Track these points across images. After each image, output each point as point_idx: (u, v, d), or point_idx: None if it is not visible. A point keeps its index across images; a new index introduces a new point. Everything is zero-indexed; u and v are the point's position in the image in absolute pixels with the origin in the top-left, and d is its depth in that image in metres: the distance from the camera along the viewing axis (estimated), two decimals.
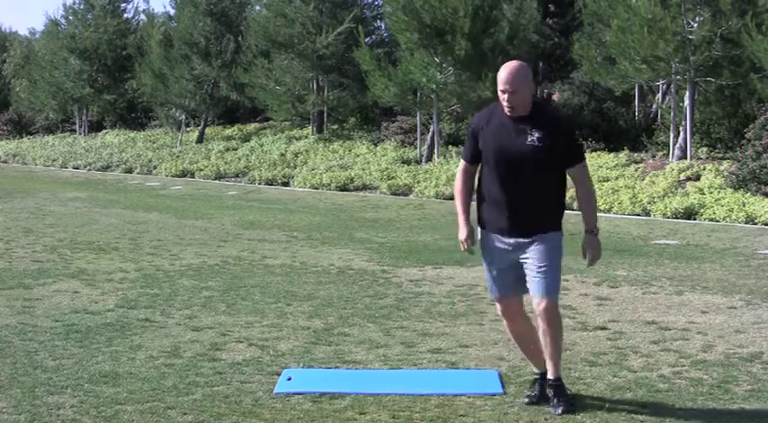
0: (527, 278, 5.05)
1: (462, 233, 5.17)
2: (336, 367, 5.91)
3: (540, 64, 26.07)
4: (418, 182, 19.71)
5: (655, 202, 15.56)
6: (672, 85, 19.83)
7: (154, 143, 31.04)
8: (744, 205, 14.63)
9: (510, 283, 5.15)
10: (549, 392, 5.08)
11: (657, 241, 12.38)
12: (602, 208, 15.91)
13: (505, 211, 5.02)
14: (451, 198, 18.26)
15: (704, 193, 15.80)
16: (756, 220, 13.91)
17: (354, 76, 25.53)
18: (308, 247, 11.40)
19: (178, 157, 27.33)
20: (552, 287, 5.03)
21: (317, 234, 12.75)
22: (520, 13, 23.17)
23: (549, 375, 5.10)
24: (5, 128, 40.34)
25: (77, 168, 28.37)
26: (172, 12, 32.74)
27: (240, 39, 29.53)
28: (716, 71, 18.34)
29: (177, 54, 30.36)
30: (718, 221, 14.27)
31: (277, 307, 7.77)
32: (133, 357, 6.05)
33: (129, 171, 26.65)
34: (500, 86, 4.95)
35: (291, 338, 6.65)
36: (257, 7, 30.25)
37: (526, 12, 23.45)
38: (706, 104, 20.25)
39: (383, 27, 27.30)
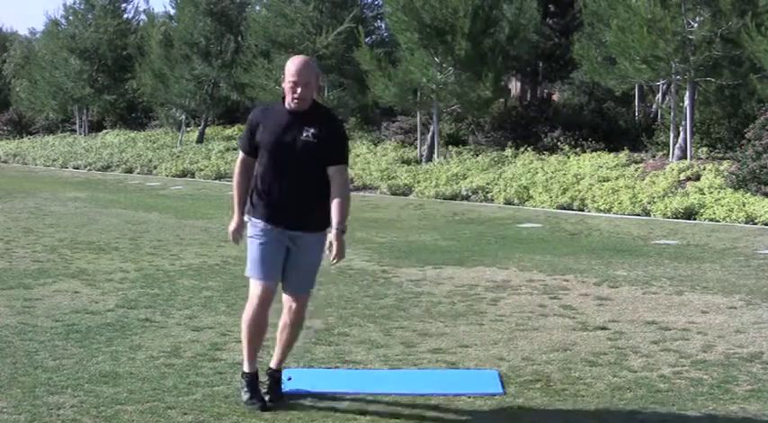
0: (286, 271, 5.13)
1: (233, 223, 5.24)
2: (336, 367, 5.91)
3: (540, 64, 26.05)
4: (418, 182, 19.70)
5: (655, 202, 15.56)
6: (672, 85, 19.83)
7: (154, 143, 31.03)
8: (744, 205, 14.63)
9: (275, 267, 5.12)
10: (265, 382, 5.18)
11: (657, 241, 12.39)
12: (602, 208, 15.92)
13: (278, 204, 5.05)
14: (452, 198, 18.27)
15: (704, 193, 15.80)
16: (756, 220, 13.91)
17: (354, 76, 25.52)
18: None
19: (178, 157, 27.32)
20: (310, 285, 5.22)
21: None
22: (520, 13, 23.16)
23: (272, 365, 5.26)
24: (5, 128, 40.32)
25: (77, 168, 28.36)
26: (172, 12, 32.73)
27: (240, 39, 29.51)
28: (716, 71, 18.33)
29: (177, 54, 30.34)
30: (718, 221, 14.27)
31: (277, 307, 7.76)
32: (133, 357, 6.05)
33: (130, 171, 26.64)
34: (290, 78, 4.98)
35: None
36: (257, 7, 30.24)
37: (526, 12, 23.44)
38: (706, 104, 20.24)
39: (383, 27, 27.27)
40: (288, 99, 5.06)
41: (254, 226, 5.14)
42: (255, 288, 5.13)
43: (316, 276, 5.26)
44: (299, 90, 4.98)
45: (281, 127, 5.05)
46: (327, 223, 5.08)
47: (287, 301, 5.21)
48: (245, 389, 5.14)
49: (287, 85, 5.02)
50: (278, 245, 5.09)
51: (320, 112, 5.16)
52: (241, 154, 5.29)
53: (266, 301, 5.13)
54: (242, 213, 5.21)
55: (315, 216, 5.08)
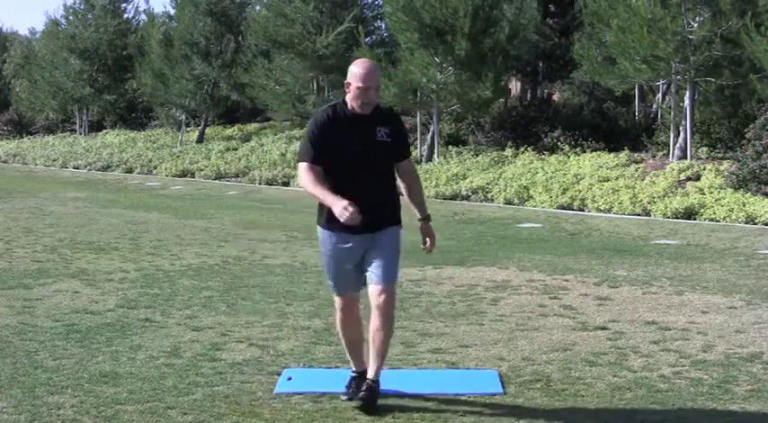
0: (367, 270, 5.08)
1: (341, 202, 4.78)
2: (336, 367, 5.91)
3: (540, 64, 26.05)
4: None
5: (655, 202, 15.56)
6: (672, 85, 19.82)
7: (154, 143, 31.03)
8: (744, 205, 14.63)
9: (353, 280, 5.17)
10: (364, 386, 5.08)
11: (657, 241, 12.39)
12: (602, 208, 15.92)
13: (360, 209, 4.93)
14: (452, 198, 18.27)
15: (704, 193, 15.80)
16: (756, 220, 13.91)
17: None
18: (308, 247, 11.39)
19: (178, 157, 27.32)
20: (394, 273, 5.11)
21: (318, 234, 12.73)
22: (520, 13, 23.16)
23: (371, 376, 5.10)
24: (5, 128, 40.33)
25: (77, 168, 28.36)
26: (172, 12, 32.76)
27: (240, 39, 29.52)
28: (716, 71, 18.33)
29: (177, 54, 30.35)
30: (718, 221, 14.27)
31: (277, 307, 7.78)
32: (133, 357, 6.05)
33: (130, 171, 26.65)
34: (360, 83, 4.98)
35: (291, 338, 6.66)
36: (257, 7, 30.24)
37: (526, 12, 23.45)
38: (706, 104, 20.24)
39: (383, 27, 27.28)
40: (355, 103, 5.04)
41: (329, 240, 5.13)
42: (337, 303, 5.29)
43: (398, 266, 5.17)
44: (369, 94, 5.01)
45: (354, 130, 5.03)
46: (397, 216, 5.19)
47: (374, 298, 5.02)
48: (347, 384, 5.22)
49: (355, 90, 5.00)
50: (354, 257, 5.09)
51: (385, 112, 5.25)
52: (305, 164, 5.03)
53: (349, 309, 5.23)
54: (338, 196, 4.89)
55: (390, 212, 5.15)
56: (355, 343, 5.33)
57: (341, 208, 4.78)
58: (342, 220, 4.80)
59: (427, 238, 5.27)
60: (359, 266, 5.13)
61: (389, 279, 5.05)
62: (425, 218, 5.28)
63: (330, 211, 4.95)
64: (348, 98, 5.08)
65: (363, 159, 5.02)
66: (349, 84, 5.02)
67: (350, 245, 5.08)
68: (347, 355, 5.41)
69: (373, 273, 5.05)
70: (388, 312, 5.03)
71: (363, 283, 5.16)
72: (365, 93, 5.01)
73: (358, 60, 5.17)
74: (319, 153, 5.03)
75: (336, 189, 4.96)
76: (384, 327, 5.03)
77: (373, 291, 5.05)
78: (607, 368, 5.89)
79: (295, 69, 27.06)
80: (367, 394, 5.00)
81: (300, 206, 17.18)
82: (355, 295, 5.24)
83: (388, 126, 5.12)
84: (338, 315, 5.31)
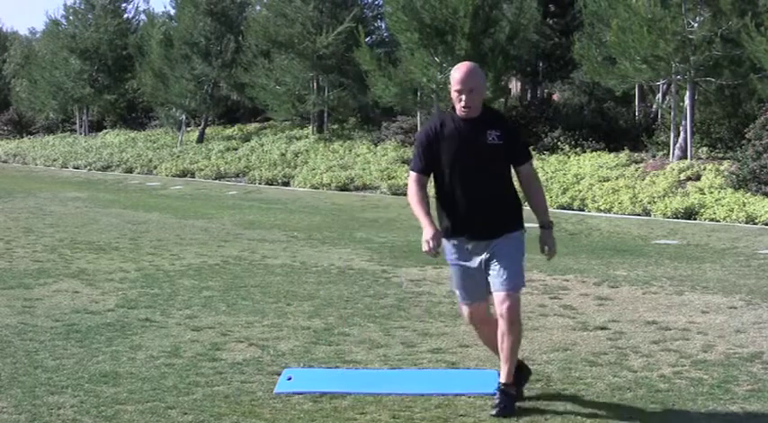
0: (490, 276, 5.01)
1: (428, 232, 4.91)
2: (336, 367, 5.91)
3: (540, 64, 26.05)
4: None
5: (655, 202, 15.56)
6: (672, 85, 19.83)
7: (154, 143, 31.04)
8: (744, 205, 14.63)
9: (479, 287, 5.10)
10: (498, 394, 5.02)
11: (657, 241, 12.39)
12: (602, 208, 15.92)
13: (473, 214, 4.99)
14: None
15: (704, 193, 15.80)
16: (756, 220, 13.91)
17: (354, 76, 25.53)
18: (308, 247, 11.40)
19: (178, 156, 27.33)
20: (518, 281, 5.01)
21: (318, 234, 12.75)
22: (520, 13, 23.15)
23: (503, 379, 5.04)
24: (6, 128, 40.34)
25: (78, 168, 28.37)
26: (172, 12, 32.77)
27: (240, 39, 29.53)
28: (716, 71, 18.34)
29: (177, 54, 30.35)
30: (718, 221, 14.27)
31: (277, 307, 7.78)
32: (133, 357, 6.05)
33: (130, 171, 26.65)
34: (456, 86, 4.94)
35: (291, 338, 6.65)
36: (257, 7, 30.26)
37: (526, 12, 23.43)
38: (706, 104, 20.24)
39: (383, 27, 27.29)
40: (457, 108, 4.99)
41: (452, 249, 5.09)
42: (464, 309, 5.25)
43: (523, 273, 5.09)
44: (463, 97, 4.93)
45: (463, 135, 4.97)
46: (520, 220, 5.12)
47: (498, 306, 4.97)
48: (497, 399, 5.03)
49: (454, 94, 4.96)
50: (476, 264, 5.03)
51: (495, 114, 5.14)
52: (414, 174, 5.06)
53: (478, 318, 5.21)
54: (433, 223, 4.98)
55: (509, 217, 5.06)
56: (495, 346, 5.19)
57: (424, 239, 4.91)
58: (422, 249, 4.91)
59: (545, 246, 5.14)
60: (482, 274, 5.03)
61: (512, 286, 4.95)
62: (543, 225, 5.17)
63: (446, 220, 5.03)
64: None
65: (475, 164, 4.95)
66: (450, 87, 5.00)
67: (468, 250, 5.04)
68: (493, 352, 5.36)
69: (496, 280, 4.98)
70: (512, 319, 4.95)
71: (489, 292, 5.06)
72: (460, 96, 4.94)
73: (459, 63, 5.08)
74: (429, 161, 5.02)
75: (450, 196, 4.98)
76: (510, 332, 4.97)
77: (497, 298, 4.98)
78: (607, 368, 5.89)
79: (295, 69, 27.08)
80: (499, 401, 4.96)
81: (300, 206, 17.19)
82: (477, 306, 5.16)
83: (499, 129, 5.00)
84: (467, 321, 5.31)
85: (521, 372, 5.21)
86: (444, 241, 5.09)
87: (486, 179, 4.98)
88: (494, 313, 5.10)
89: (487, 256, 5.02)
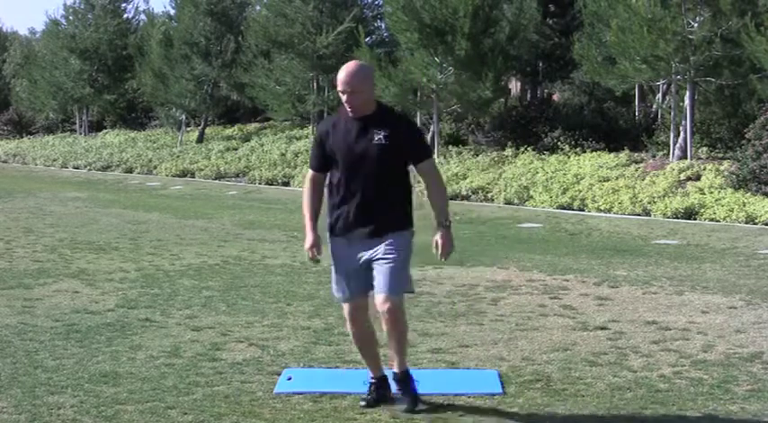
0: (374, 277, 5.00)
1: (308, 240, 5.07)
2: (336, 367, 5.91)
3: (540, 64, 26.05)
4: (418, 182, 19.64)
5: (655, 202, 15.56)
6: (672, 85, 19.82)
7: (154, 143, 31.03)
8: (744, 205, 14.63)
9: (359, 285, 5.05)
10: (395, 386, 5.11)
11: (657, 241, 12.39)
12: (602, 208, 15.92)
13: (357, 213, 4.99)
14: (452, 198, 18.23)
15: (704, 193, 15.80)
16: (756, 220, 13.91)
17: None
18: None
19: (178, 156, 27.32)
20: (399, 285, 4.99)
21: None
22: (520, 13, 23.16)
23: (395, 369, 5.11)
24: (5, 128, 40.33)
25: (78, 168, 28.37)
26: (172, 12, 32.74)
27: (240, 39, 29.53)
28: (716, 71, 18.33)
29: (177, 54, 30.35)
30: (718, 221, 14.27)
31: (277, 307, 7.78)
32: (133, 357, 6.05)
33: (130, 171, 26.65)
34: (339, 87, 4.95)
35: (291, 338, 6.66)
36: (257, 7, 30.25)
37: (526, 12, 23.44)
38: (706, 104, 20.23)
39: (383, 27, 27.27)
40: (346, 107, 5.02)
41: (333, 245, 5.09)
42: (344, 310, 5.19)
43: (406, 275, 5.08)
44: (345, 98, 4.95)
45: (350, 135, 4.99)
46: (405, 222, 5.10)
47: (378, 306, 4.97)
48: (367, 390, 5.15)
49: (339, 95, 4.98)
50: (357, 261, 5.01)
51: (386, 113, 5.12)
52: (310, 172, 5.18)
53: (357, 318, 5.13)
54: (315, 229, 5.08)
55: (394, 217, 5.04)
56: (367, 349, 5.23)
57: (305, 247, 5.09)
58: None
59: (437, 242, 5.07)
60: (363, 273, 5.03)
61: (391, 288, 4.92)
62: (440, 224, 5.10)
63: (332, 218, 5.06)
64: None
65: (360, 164, 4.96)
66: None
67: (351, 248, 5.03)
68: (363, 359, 5.33)
69: (377, 281, 4.98)
70: (392, 320, 4.94)
71: (369, 289, 5.06)
72: (344, 96, 4.95)
73: (346, 63, 5.09)
74: (321, 160, 5.07)
75: (337, 195, 5.01)
76: (393, 330, 5.00)
77: (377, 299, 4.99)
78: (607, 368, 5.89)
79: (295, 69, 27.07)
80: (402, 392, 5.06)
81: (300, 206, 17.18)
82: (357, 303, 5.10)
83: (387, 129, 4.98)
84: (347, 324, 5.24)
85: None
86: (328, 237, 5.12)
87: (370, 179, 4.98)
88: (377, 314, 5.07)
89: (371, 255, 5.00)
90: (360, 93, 4.94)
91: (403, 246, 5.04)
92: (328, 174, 5.14)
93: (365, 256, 5.01)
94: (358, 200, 4.97)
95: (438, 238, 5.07)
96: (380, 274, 4.96)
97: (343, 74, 4.95)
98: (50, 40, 37.55)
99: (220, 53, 29.78)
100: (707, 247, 11.80)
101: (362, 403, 5.08)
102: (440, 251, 5.05)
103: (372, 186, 4.99)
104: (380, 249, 4.98)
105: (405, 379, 5.11)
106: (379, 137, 4.97)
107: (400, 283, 4.99)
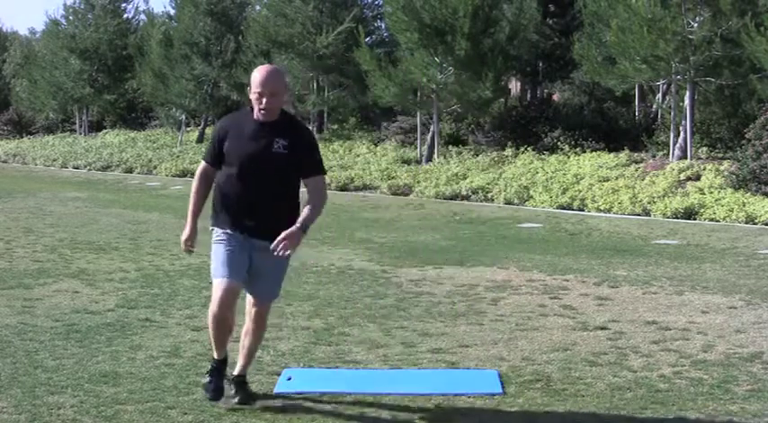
0: (251, 278, 5.04)
1: (186, 233, 5.22)
2: (336, 367, 5.91)
3: (540, 64, 26.06)
4: (418, 182, 19.70)
5: (655, 202, 15.56)
6: (672, 85, 19.83)
7: (154, 143, 31.04)
8: (744, 205, 14.63)
9: (240, 268, 5.00)
10: (231, 387, 5.16)
11: (657, 241, 12.39)
12: (602, 208, 15.92)
13: (244, 213, 4.99)
14: (452, 198, 18.26)
15: (704, 193, 15.80)
16: (756, 220, 13.91)
17: (354, 76, 25.53)
18: (307, 247, 11.38)
19: (178, 156, 27.32)
20: (274, 294, 5.17)
21: (317, 234, 12.73)
22: (520, 13, 23.17)
23: (237, 371, 5.20)
24: (5, 128, 40.33)
25: (77, 168, 28.36)
26: (172, 12, 32.77)
27: (240, 39, 29.54)
28: (716, 71, 18.34)
29: (177, 54, 30.36)
30: (718, 221, 14.27)
31: (277, 307, 7.77)
32: (133, 357, 6.05)
33: (130, 171, 26.64)
34: (256, 88, 4.90)
35: (291, 338, 6.65)
36: (257, 7, 30.26)
37: (526, 12, 23.45)
38: (706, 104, 20.24)
39: (383, 27, 27.28)
40: (255, 109, 4.96)
41: (218, 233, 5.11)
42: (217, 287, 4.97)
43: (280, 285, 5.17)
44: (264, 100, 4.89)
45: (251, 137, 4.96)
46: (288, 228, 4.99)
47: (250, 307, 5.16)
48: (207, 373, 5.18)
49: (252, 95, 4.93)
50: (241, 249, 5.00)
51: (290, 122, 5.06)
52: (203, 163, 5.24)
53: (227, 300, 4.92)
54: (195, 223, 5.20)
55: (282, 224, 4.89)
56: (224, 334, 5.11)
57: (182, 238, 5.25)
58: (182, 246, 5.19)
59: (282, 235, 4.80)
60: (244, 260, 4.99)
61: (269, 296, 5.16)
62: (300, 224, 4.88)
63: (219, 212, 5.10)
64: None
65: (255, 168, 4.93)
66: (249, 88, 4.95)
67: (235, 237, 5.02)
68: (211, 341, 5.20)
69: (255, 284, 5.07)
70: (258, 323, 5.17)
71: (245, 282, 5.04)
72: (260, 98, 4.90)
73: (260, 66, 5.07)
74: (217, 155, 5.09)
75: (228, 191, 5.03)
76: (254, 333, 5.19)
77: (250, 301, 5.16)
78: (607, 368, 5.89)
79: (295, 69, 27.07)
80: (238, 391, 5.14)
81: None
82: (234, 283, 4.97)
83: (288, 138, 4.94)
84: (214, 298, 4.98)
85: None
86: (213, 227, 5.18)
87: (263, 184, 4.95)
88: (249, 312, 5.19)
89: (254, 253, 5.00)
90: (278, 96, 4.91)
91: (287, 256, 4.96)
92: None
93: (249, 250, 5.00)
94: (247, 202, 4.95)
95: (288, 231, 4.82)
96: (260, 280, 5.05)
97: (261, 75, 4.90)
98: (50, 40, 37.56)
99: (220, 53, 29.79)
100: (707, 247, 11.80)
101: (209, 396, 5.07)
102: (281, 243, 4.78)
103: (266, 191, 4.96)
104: (262, 255, 4.95)
105: (243, 382, 5.21)
106: (279, 145, 4.93)
107: (276, 293, 5.18)
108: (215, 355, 5.19)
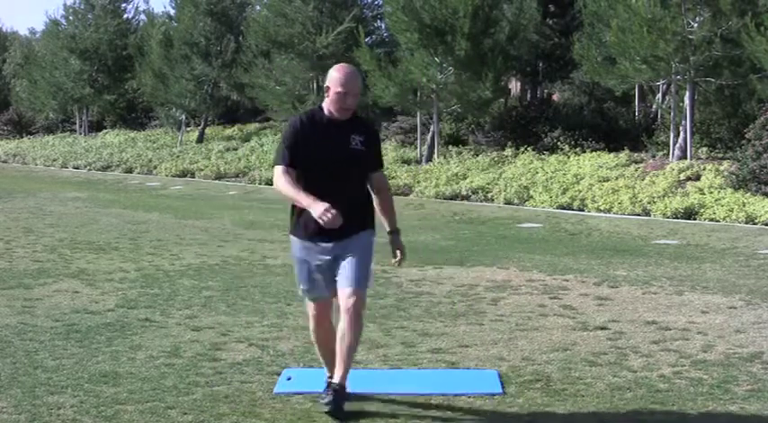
0: (338, 274, 5.01)
1: (320, 205, 4.74)
2: None
3: (540, 64, 26.06)
4: (418, 182, 19.70)
5: (655, 202, 15.56)
6: (672, 85, 19.83)
7: (154, 143, 31.04)
8: (744, 205, 14.63)
9: (328, 283, 5.05)
10: (329, 391, 4.97)
11: (657, 241, 12.39)
12: (602, 208, 15.92)
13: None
14: (452, 198, 18.27)
15: (704, 193, 15.80)
16: (756, 220, 13.91)
17: None
18: None
19: (178, 157, 27.33)
20: (364, 277, 5.02)
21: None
22: (520, 13, 23.17)
23: (336, 379, 4.97)
24: (5, 128, 40.34)
25: (77, 168, 28.37)
26: (172, 12, 32.77)
27: (240, 39, 29.54)
28: (716, 71, 18.34)
29: (177, 54, 30.36)
30: (718, 221, 14.27)
31: (277, 307, 7.78)
32: (133, 357, 6.05)
33: (130, 171, 26.65)
34: (338, 88, 4.93)
35: (291, 338, 6.65)
36: (257, 7, 30.25)
37: (526, 12, 23.45)
38: (706, 104, 20.24)
39: (383, 27, 27.27)
40: (333, 108, 4.99)
41: (299, 246, 5.10)
42: (309, 308, 5.20)
43: (369, 272, 5.08)
44: (348, 100, 4.95)
45: (329, 137, 4.99)
46: (371, 221, 5.14)
47: (343, 301, 4.97)
48: (324, 393, 5.03)
49: (334, 95, 4.95)
50: (325, 262, 5.02)
51: (359, 119, 5.17)
52: (282, 167, 4.98)
53: (322, 318, 5.15)
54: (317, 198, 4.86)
55: (361, 218, 5.07)
56: (330, 350, 5.16)
57: (321, 210, 4.74)
58: (322, 221, 4.75)
59: (397, 251, 5.17)
60: (331, 271, 5.03)
61: (359, 282, 4.96)
62: (394, 231, 5.20)
63: (301, 218, 5.00)
64: (326, 103, 5.03)
65: (337, 166, 4.96)
66: (328, 88, 4.97)
67: (321, 249, 5.02)
68: (322, 362, 5.31)
69: (343, 276, 4.99)
70: (355, 314, 4.92)
71: (335, 289, 5.03)
72: (344, 98, 4.94)
73: (338, 65, 5.11)
74: (294, 157, 5.00)
75: (313, 194, 4.92)
76: (351, 330, 4.93)
77: (342, 294, 4.98)
78: (607, 368, 5.89)
79: (295, 69, 27.07)
80: (332, 399, 4.89)
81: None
82: (328, 301, 5.13)
83: (363, 135, 5.05)
84: (311, 323, 5.24)
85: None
86: (294, 239, 5.14)
87: (343, 181, 4.99)
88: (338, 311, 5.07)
89: (337, 253, 5.02)
90: (356, 95, 4.98)
91: (371, 243, 5.11)
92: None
93: (332, 255, 5.01)
94: (333, 202, 4.83)
95: (397, 243, 5.18)
96: (348, 269, 4.98)
97: (344, 75, 4.95)
98: (50, 40, 37.58)
99: (220, 53, 29.79)
100: (707, 247, 11.80)
101: (327, 408, 4.90)
102: (399, 257, 5.18)
103: (346, 189, 5.00)
104: (348, 247, 5.00)
105: (342, 391, 4.97)
106: (356, 142, 5.01)
107: (367, 279, 5.05)
108: (329, 374, 5.21)
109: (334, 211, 4.73)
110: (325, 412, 4.90)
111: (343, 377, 4.94)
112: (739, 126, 18.51)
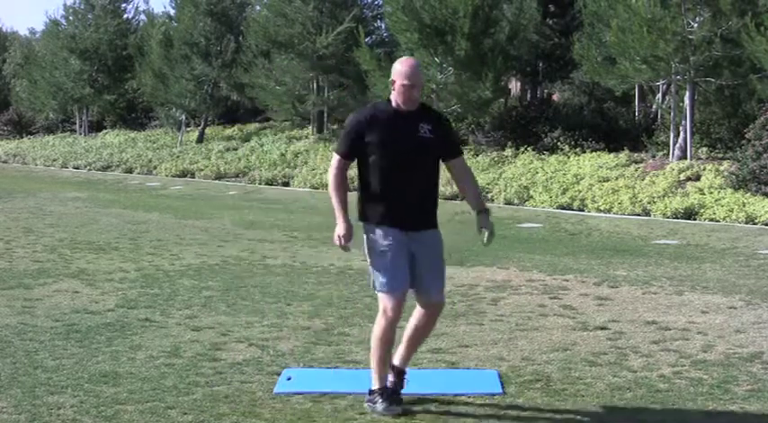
0: (418, 275, 5.02)
1: (341, 228, 4.98)
2: (336, 367, 5.91)
3: (540, 64, 26.06)
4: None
5: (655, 202, 15.57)
6: (672, 85, 19.83)
7: (154, 143, 31.04)
8: (744, 205, 14.63)
9: (406, 275, 5.00)
10: (397, 381, 5.08)
11: (657, 241, 12.39)
12: (602, 208, 15.92)
13: (403, 205, 5.00)
14: (452, 198, 18.25)
15: (704, 193, 15.81)
16: (756, 220, 13.92)
17: (354, 76, 25.53)
18: (307, 247, 11.40)
19: (178, 157, 27.33)
20: (443, 285, 5.15)
21: (317, 234, 12.74)
22: (520, 13, 23.17)
23: (398, 363, 5.14)
24: (5, 128, 40.33)
25: (78, 168, 28.37)
26: (172, 12, 32.77)
27: (240, 39, 29.55)
28: (716, 71, 18.34)
29: (177, 54, 30.36)
30: (718, 221, 14.28)
31: (277, 307, 7.78)
32: (133, 357, 6.05)
33: (130, 171, 26.65)
34: (404, 81, 5.00)
35: (291, 338, 6.65)
36: (257, 7, 30.26)
37: (526, 12, 23.45)
38: (706, 104, 20.24)
39: (383, 27, 27.29)
40: (400, 99, 5.05)
41: (376, 234, 5.02)
42: (388, 302, 4.96)
43: (445, 277, 5.15)
44: (413, 92, 5.02)
45: (397, 127, 5.04)
46: (435, 219, 5.15)
47: (427, 301, 5.05)
48: (381, 400, 4.96)
49: (399, 87, 5.02)
50: (402, 248, 4.99)
51: (427, 108, 5.25)
52: (338, 158, 5.09)
53: (398, 315, 5.00)
54: (347, 218, 5.01)
55: (431, 212, 5.11)
56: (390, 351, 5.14)
57: (337, 233, 4.99)
58: (334, 242, 5.00)
59: (483, 228, 5.14)
60: (407, 262, 5.00)
61: (439, 289, 5.08)
62: (484, 210, 5.18)
63: (374, 208, 5.02)
64: (393, 96, 5.09)
65: (405, 156, 5.01)
66: (393, 81, 5.05)
67: (395, 237, 4.99)
68: (376, 364, 5.06)
69: (428, 278, 5.03)
70: (434, 321, 5.16)
71: (412, 284, 5.03)
72: (410, 90, 5.01)
73: (403, 58, 5.20)
74: (355, 149, 5.06)
75: (380, 186, 5.01)
76: (428, 326, 5.15)
77: (428, 295, 5.05)
78: (607, 368, 5.89)
79: (295, 69, 27.08)
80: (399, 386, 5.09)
81: (300, 206, 17.18)
82: (402, 296, 4.99)
83: (431, 123, 5.10)
84: (384, 321, 4.99)
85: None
86: (369, 226, 5.05)
87: (417, 171, 5.04)
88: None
89: (415, 248, 5.03)
90: (419, 87, 5.06)
91: (441, 243, 5.16)
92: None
93: (409, 247, 5.01)
94: (405, 192, 4.99)
95: (485, 222, 5.17)
96: (429, 276, 5.04)
97: (409, 68, 5.02)
98: (50, 40, 37.57)
99: (220, 53, 29.79)
100: (707, 247, 11.80)
101: (398, 410, 4.94)
102: (489, 234, 5.17)
103: (418, 179, 5.06)
104: (423, 246, 5.04)
105: (402, 376, 5.18)
106: (424, 130, 5.06)
107: (444, 283, 5.15)
108: (377, 384, 5.03)
109: (343, 242, 4.99)
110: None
111: (405, 360, 5.20)
112: (739, 126, 18.51)
